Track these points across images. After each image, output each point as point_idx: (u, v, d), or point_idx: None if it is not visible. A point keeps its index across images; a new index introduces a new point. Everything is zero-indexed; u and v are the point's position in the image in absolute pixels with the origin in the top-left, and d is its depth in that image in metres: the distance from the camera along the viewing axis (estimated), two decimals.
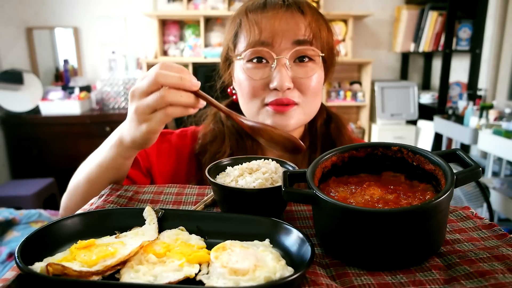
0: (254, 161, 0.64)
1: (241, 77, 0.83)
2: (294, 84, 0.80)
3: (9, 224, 2.26)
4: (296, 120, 0.81)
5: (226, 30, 0.89)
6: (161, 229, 0.51)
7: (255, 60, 0.80)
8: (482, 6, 3.10)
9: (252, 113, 0.83)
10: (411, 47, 3.55)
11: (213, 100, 0.66)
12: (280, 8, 0.79)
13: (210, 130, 0.92)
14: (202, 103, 0.64)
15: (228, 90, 0.94)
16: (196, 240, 0.49)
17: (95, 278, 0.41)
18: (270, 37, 0.78)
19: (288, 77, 0.78)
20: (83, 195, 0.76)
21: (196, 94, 0.62)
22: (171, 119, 0.62)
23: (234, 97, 0.91)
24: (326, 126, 0.94)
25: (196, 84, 0.61)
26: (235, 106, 0.91)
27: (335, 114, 0.97)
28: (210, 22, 3.56)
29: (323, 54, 0.83)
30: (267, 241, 0.48)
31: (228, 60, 0.90)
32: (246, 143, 0.89)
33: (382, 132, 3.56)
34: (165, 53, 3.55)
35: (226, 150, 0.88)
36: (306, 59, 0.81)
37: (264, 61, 0.80)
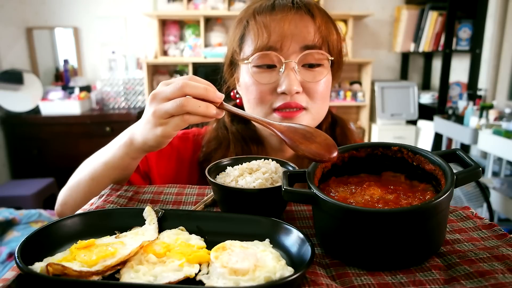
0: (254, 161, 0.64)
1: (248, 82, 0.81)
2: (303, 89, 0.79)
3: (9, 224, 2.26)
4: None
5: (230, 32, 0.88)
6: (161, 229, 0.51)
7: (264, 67, 0.79)
8: (482, 6, 3.10)
9: None
10: (411, 47, 3.55)
11: (239, 110, 0.64)
12: (289, 10, 0.78)
13: (214, 136, 0.91)
14: (222, 114, 0.63)
15: (231, 94, 0.93)
16: (196, 240, 0.49)
17: (95, 278, 0.41)
18: (279, 41, 0.77)
19: (297, 81, 0.77)
20: (85, 192, 0.75)
21: (220, 105, 0.62)
22: (186, 125, 0.62)
23: (238, 101, 0.90)
24: (332, 131, 0.93)
25: (220, 96, 0.61)
26: None
27: (340, 118, 0.96)
28: (210, 22, 3.56)
29: (332, 58, 0.81)
30: (267, 241, 0.48)
31: (233, 64, 0.89)
32: (251, 148, 0.88)
33: (382, 132, 3.56)
34: (165, 53, 3.55)
35: (231, 157, 0.86)
36: (315, 65, 0.80)
37: (272, 66, 0.79)
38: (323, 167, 0.57)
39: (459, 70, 3.51)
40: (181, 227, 0.52)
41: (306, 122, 0.80)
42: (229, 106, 0.63)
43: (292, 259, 0.45)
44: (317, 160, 0.56)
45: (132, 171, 0.77)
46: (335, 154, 0.56)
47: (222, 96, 0.62)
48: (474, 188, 2.25)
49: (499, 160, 2.61)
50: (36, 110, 3.40)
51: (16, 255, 0.41)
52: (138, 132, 0.67)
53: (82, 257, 0.42)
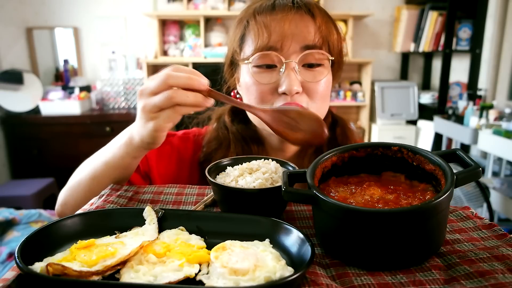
0: (254, 161, 0.64)
1: (248, 82, 0.81)
2: (303, 89, 0.78)
3: (9, 224, 2.26)
4: None
5: (231, 32, 0.87)
6: (161, 229, 0.51)
7: (264, 67, 0.79)
8: (482, 6, 3.10)
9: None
10: (411, 47, 3.55)
11: (227, 96, 0.65)
12: (289, 10, 0.78)
13: (215, 137, 0.91)
14: (211, 101, 0.63)
15: (232, 94, 0.93)
16: (196, 240, 0.49)
17: (95, 278, 0.41)
18: (279, 40, 0.77)
19: (297, 81, 0.77)
20: (85, 192, 0.75)
21: (208, 93, 0.62)
22: (179, 117, 0.63)
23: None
24: (332, 131, 0.92)
25: (204, 83, 0.61)
26: (238, 110, 0.90)
27: (341, 118, 0.96)
28: (210, 22, 3.56)
29: (333, 58, 0.81)
30: (267, 241, 0.48)
31: (233, 64, 0.89)
32: (251, 148, 0.88)
33: (382, 132, 3.56)
34: (165, 53, 3.55)
35: (231, 157, 0.86)
36: (316, 65, 0.80)
37: (272, 66, 0.79)
38: (323, 167, 0.57)
39: (459, 70, 3.51)
40: (181, 227, 0.52)
41: None
42: (217, 93, 0.63)
43: (292, 259, 0.45)
44: (306, 146, 0.57)
45: (133, 171, 0.77)
46: (324, 135, 0.59)
47: (206, 82, 0.62)
48: (474, 188, 2.25)
49: (499, 160, 2.61)
50: (36, 110, 3.40)
51: (16, 255, 0.41)
52: (135, 130, 0.67)
53: (82, 257, 0.42)
